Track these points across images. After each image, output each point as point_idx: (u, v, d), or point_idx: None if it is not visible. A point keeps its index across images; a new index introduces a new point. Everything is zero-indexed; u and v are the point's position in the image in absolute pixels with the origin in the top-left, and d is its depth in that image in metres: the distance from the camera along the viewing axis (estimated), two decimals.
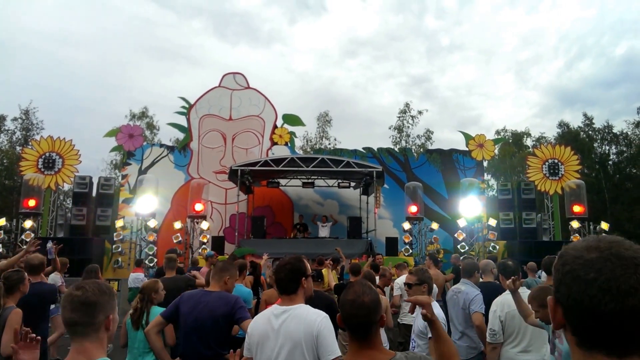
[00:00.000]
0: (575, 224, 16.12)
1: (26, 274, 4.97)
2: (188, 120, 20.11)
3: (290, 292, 3.07)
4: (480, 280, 5.90)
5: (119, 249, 16.04)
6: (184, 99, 20.42)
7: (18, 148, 29.84)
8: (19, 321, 4.35)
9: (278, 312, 2.99)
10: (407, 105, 34.20)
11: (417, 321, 4.30)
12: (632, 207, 30.26)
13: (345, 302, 2.12)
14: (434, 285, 5.83)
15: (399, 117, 34.12)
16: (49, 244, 7.74)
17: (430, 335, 2.76)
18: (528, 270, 9.23)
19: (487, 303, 4.97)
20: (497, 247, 15.94)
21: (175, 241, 15.91)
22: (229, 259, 8.96)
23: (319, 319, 2.94)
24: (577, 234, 16.02)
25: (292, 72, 72.32)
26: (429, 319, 2.36)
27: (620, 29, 67.75)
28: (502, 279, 5.31)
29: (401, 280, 7.64)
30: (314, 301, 4.96)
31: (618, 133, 35.11)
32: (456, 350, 2.33)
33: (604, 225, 16.06)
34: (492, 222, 16.54)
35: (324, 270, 8.45)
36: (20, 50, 63.51)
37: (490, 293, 5.11)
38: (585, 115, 35.92)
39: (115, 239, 16.20)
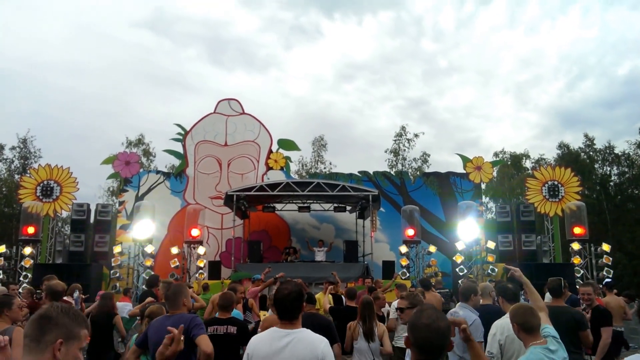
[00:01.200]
0: (576, 246, 15.95)
1: (18, 300, 4.97)
2: (184, 146, 20.23)
3: (293, 319, 3.23)
4: (480, 303, 5.84)
5: (117, 275, 16.02)
6: (179, 125, 20.61)
7: (16, 176, 30.00)
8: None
9: (281, 334, 3.15)
10: (403, 128, 34.24)
11: None
12: (634, 228, 30.02)
13: (420, 325, 2.17)
14: None
15: (395, 140, 34.09)
16: (76, 294, 7.77)
17: None
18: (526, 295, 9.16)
19: (486, 325, 4.93)
20: (496, 269, 15.79)
21: (172, 266, 15.95)
22: (182, 284, 8.92)
23: (323, 343, 3.15)
24: (577, 256, 15.86)
25: (288, 97, 72.80)
26: (468, 338, 2.53)
27: (623, 49, 67.94)
28: (501, 301, 5.24)
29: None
30: (312, 322, 4.99)
31: (620, 154, 35.00)
32: None
33: (605, 247, 15.90)
34: (491, 244, 16.43)
35: (318, 295, 8.43)
36: (17, 79, 64.25)
37: (489, 316, 5.05)
38: (586, 135, 35.91)
39: (113, 264, 16.24)
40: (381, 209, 18.47)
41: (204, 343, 4.01)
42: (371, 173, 20.65)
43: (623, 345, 9.89)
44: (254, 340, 3.31)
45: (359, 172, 20.66)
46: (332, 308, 7.69)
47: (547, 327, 3.68)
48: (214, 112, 20.53)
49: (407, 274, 15.80)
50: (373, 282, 11.52)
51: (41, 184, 17.67)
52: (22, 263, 15.62)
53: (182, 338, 2.82)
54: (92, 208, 17.61)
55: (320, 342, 3.15)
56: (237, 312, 6.41)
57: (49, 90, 67.08)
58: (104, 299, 7.35)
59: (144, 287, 15.86)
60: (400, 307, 4.51)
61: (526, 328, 3.48)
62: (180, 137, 20.40)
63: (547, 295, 10.07)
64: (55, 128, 57.15)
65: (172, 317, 4.18)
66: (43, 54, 69.99)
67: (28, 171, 19.63)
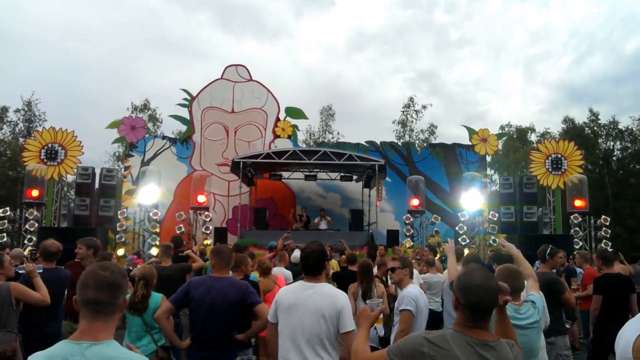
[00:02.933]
0: (576, 218, 16.12)
1: (8, 257, 5.06)
2: (190, 112, 20.16)
3: (316, 274, 3.55)
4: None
5: (122, 239, 16.13)
6: (186, 90, 20.47)
7: (21, 139, 29.97)
8: (23, 287, 4.61)
9: (306, 287, 3.47)
10: (411, 99, 34.23)
11: (411, 287, 4.71)
12: (634, 203, 30.20)
13: (472, 286, 2.17)
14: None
15: (403, 111, 34.14)
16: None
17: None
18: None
19: None
20: (498, 240, 15.93)
21: (178, 232, 15.96)
22: (233, 250, 9.04)
23: (343, 297, 3.49)
24: (577, 228, 16.04)
25: (298, 66, 72.15)
26: (504, 305, 2.57)
27: (631, 25, 67.22)
28: (495, 267, 5.38)
29: (428, 276, 7.96)
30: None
31: (623, 129, 35.01)
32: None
33: (605, 220, 16.05)
34: (494, 215, 16.56)
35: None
36: (23, 42, 63.60)
37: None
38: (590, 110, 35.83)
39: (118, 229, 16.31)
40: (387, 178, 18.54)
41: (264, 311, 4.03)
42: (378, 143, 20.64)
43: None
44: (282, 290, 3.68)
45: (366, 142, 20.64)
46: (334, 273, 7.93)
47: (533, 295, 3.80)
48: (221, 78, 20.37)
49: (412, 243, 15.97)
50: (385, 249, 11.86)
51: (45, 147, 17.65)
52: (27, 226, 15.69)
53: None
54: (97, 172, 17.62)
55: (341, 295, 3.49)
56: (253, 277, 6.54)
57: (56, 53, 66.54)
58: (103, 258, 7.17)
59: (149, 252, 16.12)
60: (392, 266, 4.70)
61: None
62: (187, 103, 20.29)
63: (538, 262, 10.33)
64: (61, 92, 56.73)
65: (224, 280, 4.17)
66: (50, 16, 69.23)
67: (32, 134, 19.59)
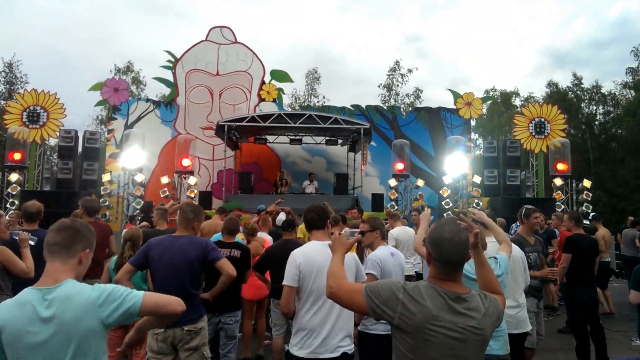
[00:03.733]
0: (558, 182, 16.34)
1: (5, 219, 5.04)
2: (174, 75, 19.85)
3: (320, 227, 3.77)
4: None
5: (107, 203, 16.07)
6: (169, 52, 20.14)
7: (2, 102, 29.41)
8: (11, 253, 4.53)
9: (325, 244, 3.49)
10: (397, 63, 34.01)
11: (376, 253, 4.71)
12: (615, 167, 30.63)
13: (443, 240, 2.20)
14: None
15: (389, 75, 33.96)
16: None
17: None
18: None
19: None
20: (481, 203, 16.16)
21: (162, 195, 15.92)
22: (218, 212, 9.11)
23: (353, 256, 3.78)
24: (559, 191, 16.27)
25: (284, 29, 71.15)
26: (476, 245, 2.56)
27: None
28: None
29: (396, 231, 7.79)
30: (286, 246, 5.24)
31: (606, 93, 35.24)
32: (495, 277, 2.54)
33: (587, 183, 16.29)
34: (477, 179, 16.73)
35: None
36: (4, 3, 61.78)
37: None
38: (574, 75, 35.95)
39: (102, 193, 16.20)
40: (372, 142, 18.56)
41: (227, 266, 4.11)
42: (363, 107, 20.57)
43: (612, 274, 10.43)
44: (305, 252, 3.67)
45: (351, 105, 20.56)
46: None
47: (500, 255, 3.89)
48: (206, 40, 20.01)
49: (395, 207, 16.11)
50: (360, 214, 11.79)
51: (27, 110, 17.37)
52: (9, 190, 15.53)
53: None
54: (80, 135, 17.42)
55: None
56: (239, 239, 6.59)
57: (37, 14, 64.83)
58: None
59: (134, 214, 16.11)
60: (362, 230, 4.70)
61: None
62: (171, 65, 19.94)
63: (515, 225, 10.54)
64: (42, 53, 55.51)
65: (182, 238, 4.14)
66: None
67: (14, 96, 19.27)
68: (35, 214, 5.51)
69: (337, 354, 3.51)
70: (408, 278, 6.55)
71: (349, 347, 3.60)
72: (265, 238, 7.32)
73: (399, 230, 7.83)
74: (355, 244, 5.82)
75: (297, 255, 3.61)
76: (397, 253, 4.72)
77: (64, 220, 2.22)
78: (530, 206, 5.75)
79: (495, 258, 3.81)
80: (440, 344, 2.10)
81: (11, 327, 2.00)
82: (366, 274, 4.28)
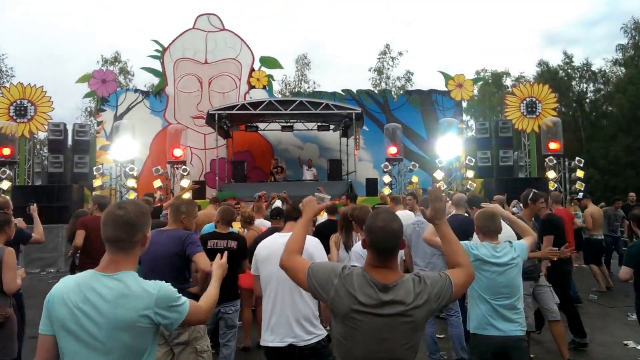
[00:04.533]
0: (550, 161, 16.36)
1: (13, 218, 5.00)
2: (162, 64, 19.67)
3: (293, 219, 3.86)
4: (452, 212, 6.08)
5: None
6: (157, 42, 19.90)
7: None
8: (15, 260, 4.41)
9: (285, 235, 3.41)
10: (387, 46, 33.78)
11: (356, 245, 4.85)
12: (607, 145, 30.72)
13: (375, 228, 2.28)
14: None
15: (379, 58, 33.76)
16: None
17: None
18: (496, 203, 9.49)
19: (461, 234, 5.13)
20: (475, 185, 16.18)
21: (155, 186, 15.85)
22: (212, 202, 9.04)
23: (314, 241, 3.71)
24: (552, 170, 16.29)
25: (273, 14, 70.51)
26: (433, 219, 2.55)
27: None
28: (471, 210, 5.44)
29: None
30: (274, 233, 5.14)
31: (596, 71, 35.26)
32: (462, 247, 2.54)
33: (578, 161, 16.33)
34: (470, 160, 16.73)
35: None
36: None
37: (458, 224, 5.24)
38: (565, 53, 35.94)
39: (94, 185, 16.10)
40: (364, 127, 18.50)
41: (202, 261, 3.98)
42: (354, 91, 20.48)
43: (604, 251, 10.48)
44: (262, 242, 3.88)
45: (342, 90, 20.45)
46: (319, 224, 7.83)
47: (518, 242, 3.97)
48: (193, 28, 19.81)
49: (390, 191, 16.09)
50: (354, 199, 11.63)
51: (14, 104, 17.13)
52: (0, 185, 15.39)
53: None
54: (70, 128, 17.25)
55: (311, 240, 3.59)
56: (233, 229, 6.53)
57: (21, 5, 63.94)
58: (75, 217, 7.10)
59: None
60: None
61: (484, 231, 3.90)
62: (159, 55, 19.74)
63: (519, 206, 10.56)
64: (28, 46, 54.84)
65: (167, 232, 4.16)
66: None
67: (0, 90, 19.02)
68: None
69: (283, 344, 3.52)
70: None
71: (303, 338, 3.55)
72: (262, 227, 7.24)
73: (400, 215, 7.64)
74: (343, 229, 5.83)
75: (259, 245, 3.84)
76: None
77: (115, 213, 2.16)
78: (537, 190, 5.67)
79: (510, 242, 3.87)
80: (367, 331, 2.21)
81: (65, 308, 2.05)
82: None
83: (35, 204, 6.08)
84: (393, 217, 2.34)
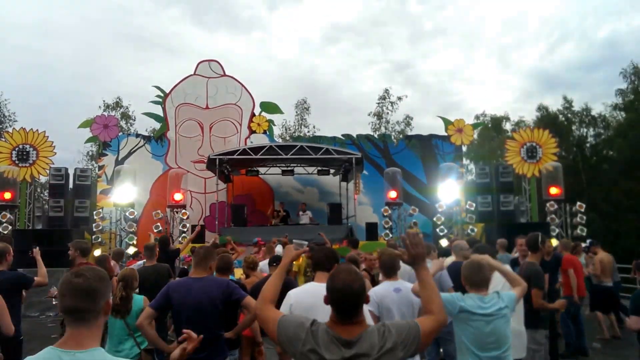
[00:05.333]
0: (551, 206, 16.30)
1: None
2: (164, 109, 19.92)
3: (325, 269, 3.70)
4: (453, 259, 6.02)
5: (99, 240, 15.91)
6: (158, 87, 20.23)
7: None
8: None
9: (323, 287, 3.39)
10: (386, 91, 34.28)
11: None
12: (608, 188, 30.68)
13: (334, 289, 2.33)
14: None
15: (379, 103, 34.20)
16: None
17: None
18: (499, 247, 9.42)
19: (454, 281, 5.36)
20: (475, 229, 16.10)
21: (155, 231, 15.81)
22: (212, 247, 8.96)
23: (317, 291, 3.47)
24: (553, 215, 16.22)
25: (273, 60, 71.91)
26: (413, 262, 2.59)
27: (603, 12, 68.34)
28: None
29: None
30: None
31: (596, 115, 35.50)
32: (438, 294, 2.56)
33: (580, 206, 16.27)
34: (471, 205, 16.68)
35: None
36: None
37: (456, 272, 5.18)
38: (564, 98, 36.28)
39: (94, 229, 16.07)
40: (364, 171, 18.55)
41: (253, 304, 3.98)
42: (354, 136, 20.63)
43: (614, 299, 10.26)
44: (295, 292, 3.79)
45: (342, 135, 20.62)
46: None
47: (507, 292, 3.90)
48: (194, 74, 20.16)
49: (390, 236, 16.01)
50: (355, 244, 11.54)
51: (16, 148, 17.27)
52: (0, 229, 15.36)
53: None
54: (71, 173, 17.34)
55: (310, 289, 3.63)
56: (233, 277, 6.47)
57: (25, 52, 65.28)
58: (99, 262, 7.24)
59: (127, 251, 15.94)
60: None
61: (469, 283, 3.83)
62: (160, 100, 20.04)
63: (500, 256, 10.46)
64: (31, 91, 55.74)
65: (203, 280, 4.08)
66: (18, 14, 67.86)
67: (3, 135, 19.23)
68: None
69: None
70: None
71: None
72: (266, 273, 7.14)
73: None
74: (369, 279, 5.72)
75: (291, 295, 3.65)
76: (408, 289, 4.48)
77: (74, 281, 1.98)
78: (542, 234, 5.64)
79: (497, 293, 3.81)
80: None
81: None
82: None
83: (37, 248, 6.21)
84: (353, 277, 2.35)
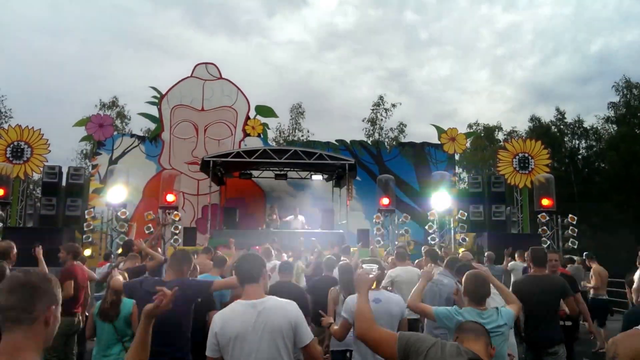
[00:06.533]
0: (543, 217, 16.37)
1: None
2: (159, 110, 19.93)
3: (253, 281, 3.12)
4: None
5: (90, 239, 15.87)
6: (155, 88, 20.23)
7: None
8: None
9: (251, 304, 3.00)
10: (380, 98, 34.36)
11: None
12: (599, 201, 30.84)
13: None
14: None
15: (373, 109, 34.27)
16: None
17: None
18: (487, 260, 9.48)
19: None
20: (467, 239, 16.16)
21: (147, 232, 15.77)
22: (204, 252, 8.97)
23: (292, 306, 3.08)
24: (545, 227, 16.28)
25: (270, 65, 72.00)
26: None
27: (596, 26, 68.92)
28: (460, 278, 5.45)
29: (395, 271, 6.97)
30: (282, 292, 5.03)
31: (588, 128, 35.73)
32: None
33: (571, 218, 16.32)
34: (462, 214, 16.73)
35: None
36: None
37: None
38: (557, 109, 36.48)
39: (85, 229, 16.02)
40: (357, 177, 18.60)
41: (226, 283, 4.22)
42: (348, 142, 20.70)
43: (608, 312, 10.33)
44: (219, 316, 3.10)
45: (336, 140, 20.68)
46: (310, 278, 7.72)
47: (504, 308, 3.87)
48: (191, 76, 20.19)
49: (381, 242, 16.05)
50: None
51: (11, 145, 17.23)
52: None
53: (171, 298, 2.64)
54: (64, 171, 17.30)
55: (293, 307, 3.10)
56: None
57: (22, 49, 65.07)
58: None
59: (117, 251, 15.90)
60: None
61: (471, 296, 3.75)
62: (156, 101, 20.05)
63: (515, 263, 10.52)
64: (27, 88, 55.53)
65: (172, 282, 3.97)
66: (17, 12, 67.64)
67: None
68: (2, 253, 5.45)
69: None
70: (413, 321, 5.94)
71: None
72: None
73: (399, 271, 6.99)
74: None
75: (215, 321, 3.04)
76: (388, 299, 4.42)
77: (15, 275, 1.74)
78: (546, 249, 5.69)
79: (497, 309, 3.77)
80: None
81: None
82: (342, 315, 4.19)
83: (40, 246, 6.44)
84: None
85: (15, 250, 5.60)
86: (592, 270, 10.49)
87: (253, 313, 2.96)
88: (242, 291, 3.16)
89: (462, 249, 14.12)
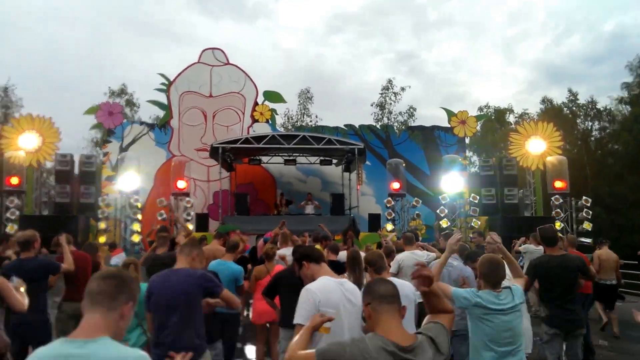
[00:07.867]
0: (557, 200, 16.24)
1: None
2: (168, 97, 19.97)
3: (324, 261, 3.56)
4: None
5: (104, 227, 16.02)
6: (163, 75, 20.26)
7: None
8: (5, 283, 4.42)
9: (339, 282, 3.32)
10: (389, 81, 34.03)
11: None
12: (613, 182, 30.59)
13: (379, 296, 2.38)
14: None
15: (382, 93, 33.99)
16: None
17: None
18: (533, 241, 9.34)
19: None
20: (479, 222, 16.07)
21: (159, 218, 15.96)
22: (216, 237, 8.99)
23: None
24: (558, 209, 16.16)
25: (278, 49, 71.71)
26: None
27: (609, 5, 67.79)
28: (469, 264, 5.48)
29: (401, 255, 6.64)
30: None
31: (601, 109, 35.30)
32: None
33: (585, 201, 16.17)
34: (474, 197, 16.64)
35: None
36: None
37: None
38: (570, 91, 36.04)
39: (99, 216, 16.17)
40: (367, 162, 18.56)
41: (230, 298, 4.07)
42: (357, 126, 20.63)
43: (618, 298, 10.18)
44: (316, 287, 3.23)
45: (345, 125, 20.63)
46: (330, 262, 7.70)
47: (515, 286, 3.89)
48: (198, 62, 20.19)
49: (393, 227, 16.05)
50: (356, 235, 11.51)
51: (23, 134, 17.36)
52: (8, 214, 15.44)
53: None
54: (76, 159, 17.40)
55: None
56: (231, 264, 6.41)
57: (31, 37, 65.26)
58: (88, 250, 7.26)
59: (131, 238, 16.07)
60: None
61: (487, 279, 3.79)
62: (164, 88, 20.09)
63: (528, 246, 10.40)
64: (37, 77, 55.79)
65: (179, 272, 4.03)
66: (25, 2, 67.78)
67: (9, 121, 19.25)
68: (25, 243, 5.48)
69: None
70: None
71: None
72: (278, 265, 6.90)
73: (406, 255, 6.63)
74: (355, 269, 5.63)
75: (314, 292, 3.17)
76: (401, 287, 4.35)
77: (109, 268, 2.18)
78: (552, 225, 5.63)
79: (509, 288, 3.81)
80: None
81: None
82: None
83: (64, 234, 6.22)
84: (394, 285, 2.41)
85: (39, 239, 5.64)
86: (594, 254, 10.25)
87: (342, 290, 3.24)
88: (322, 270, 3.44)
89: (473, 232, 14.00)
